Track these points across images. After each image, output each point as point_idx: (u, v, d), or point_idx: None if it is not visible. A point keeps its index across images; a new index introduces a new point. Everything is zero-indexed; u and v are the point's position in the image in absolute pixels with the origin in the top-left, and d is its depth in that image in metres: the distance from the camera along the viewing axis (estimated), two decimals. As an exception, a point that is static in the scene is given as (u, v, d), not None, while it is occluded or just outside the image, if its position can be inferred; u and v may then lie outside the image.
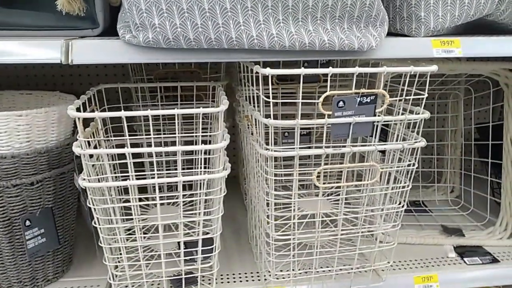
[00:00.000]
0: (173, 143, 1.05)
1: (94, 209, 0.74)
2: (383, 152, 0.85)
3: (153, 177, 0.73)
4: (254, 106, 0.83)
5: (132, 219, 0.78)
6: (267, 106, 0.74)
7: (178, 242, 0.83)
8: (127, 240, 0.88)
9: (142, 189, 1.11)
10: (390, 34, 0.83)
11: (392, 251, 0.87)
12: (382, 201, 0.83)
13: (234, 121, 1.19)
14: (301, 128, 1.12)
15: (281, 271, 0.90)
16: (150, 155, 1.02)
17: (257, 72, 0.72)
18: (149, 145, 1.00)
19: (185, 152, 1.08)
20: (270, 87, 0.73)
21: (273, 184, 0.76)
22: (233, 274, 0.91)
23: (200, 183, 0.83)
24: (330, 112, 0.72)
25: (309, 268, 0.87)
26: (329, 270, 0.87)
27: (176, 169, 0.97)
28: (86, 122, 0.76)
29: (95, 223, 0.76)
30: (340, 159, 1.11)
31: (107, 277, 0.82)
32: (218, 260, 0.85)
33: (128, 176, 0.76)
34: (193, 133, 1.03)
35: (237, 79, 1.07)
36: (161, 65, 1.16)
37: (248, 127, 0.87)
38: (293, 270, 0.86)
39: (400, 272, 0.92)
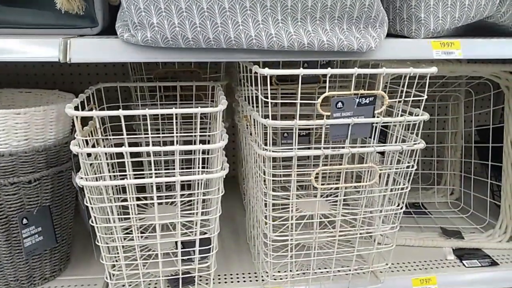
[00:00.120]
0: (172, 143, 1.05)
1: (92, 208, 0.74)
2: (382, 153, 0.84)
3: (151, 177, 0.73)
4: (253, 107, 0.83)
5: (129, 218, 0.78)
6: (266, 106, 0.73)
7: (176, 242, 0.83)
8: (124, 239, 0.88)
9: (140, 189, 1.11)
10: (390, 35, 0.82)
11: (390, 252, 0.87)
12: (380, 203, 0.82)
13: (234, 121, 1.19)
14: (300, 129, 1.13)
15: (278, 271, 0.89)
16: (148, 154, 1.02)
17: (256, 72, 0.72)
18: (148, 145, 1.00)
19: (183, 152, 1.08)
20: (269, 87, 0.73)
21: (271, 185, 0.76)
22: (231, 275, 0.91)
23: (198, 183, 0.83)
24: (329, 113, 0.72)
25: (307, 269, 0.87)
26: (327, 271, 0.87)
27: (174, 169, 0.97)
28: (85, 121, 0.76)
29: (92, 222, 0.76)
30: (339, 160, 1.10)
31: (104, 276, 0.82)
32: (216, 260, 0.85)
33: (126, 175, 0.76)
34: (192, 133, 1.03)
35: (237, 79, 1.06)
36: (161, 64, 1.16)
37: (247, 127, 0.87)
38: (290, 271, 0.86)
39: (399, 274, 0.92)
